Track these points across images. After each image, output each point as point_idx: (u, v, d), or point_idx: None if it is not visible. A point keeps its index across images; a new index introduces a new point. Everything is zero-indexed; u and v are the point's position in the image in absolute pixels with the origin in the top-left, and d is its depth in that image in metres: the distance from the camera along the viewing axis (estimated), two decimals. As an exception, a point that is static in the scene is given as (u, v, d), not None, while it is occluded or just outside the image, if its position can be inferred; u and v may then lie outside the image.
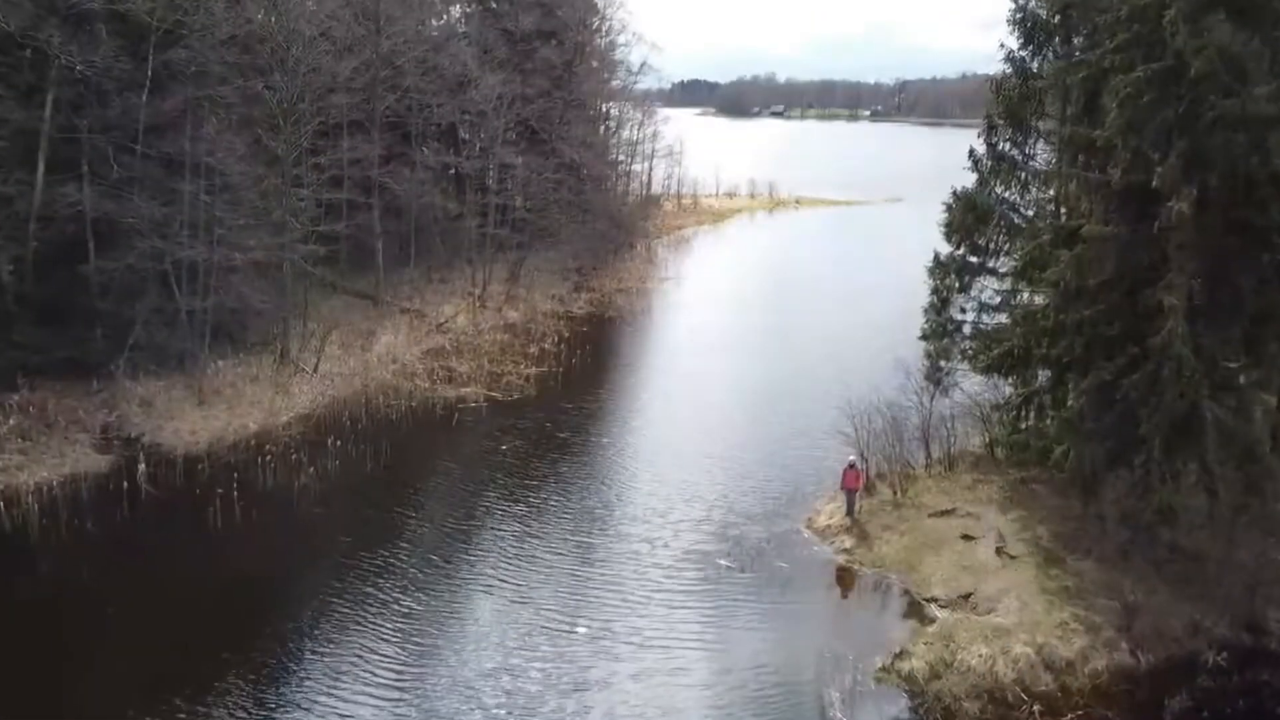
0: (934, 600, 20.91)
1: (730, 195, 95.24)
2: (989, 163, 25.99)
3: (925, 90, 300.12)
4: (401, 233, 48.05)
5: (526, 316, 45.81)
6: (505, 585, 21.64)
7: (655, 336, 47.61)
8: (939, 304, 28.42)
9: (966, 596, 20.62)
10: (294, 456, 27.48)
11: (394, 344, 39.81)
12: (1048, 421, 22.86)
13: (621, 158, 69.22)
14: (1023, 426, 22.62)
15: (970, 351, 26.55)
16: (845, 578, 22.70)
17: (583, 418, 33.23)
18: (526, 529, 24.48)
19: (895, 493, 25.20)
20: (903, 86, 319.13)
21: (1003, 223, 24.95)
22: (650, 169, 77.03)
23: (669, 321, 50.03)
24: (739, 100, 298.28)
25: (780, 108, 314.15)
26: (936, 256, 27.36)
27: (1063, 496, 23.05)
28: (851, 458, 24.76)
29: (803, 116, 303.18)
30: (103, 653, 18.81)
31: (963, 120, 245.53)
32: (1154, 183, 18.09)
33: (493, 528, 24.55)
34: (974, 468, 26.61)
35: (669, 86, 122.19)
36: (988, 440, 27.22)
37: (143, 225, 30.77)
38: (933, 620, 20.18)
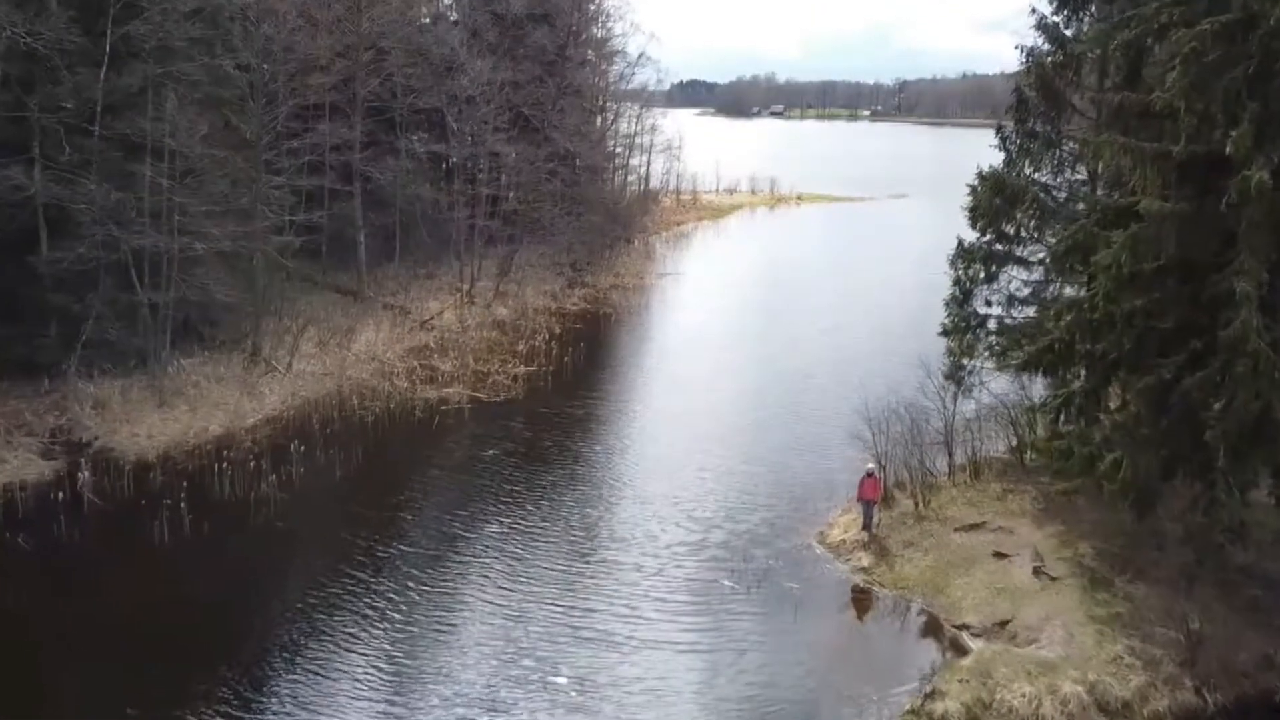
0: (966, 628, 18.46)
1: (730, 191, 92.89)
2: (1019, 141, 23.57)
3: (926, 90, 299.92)
4: (386, 225, 45.68)
5: (517, 313, 43.40)
6: (476, 622, 18.95)
7: (652, 334, 45.16)
8: (961, 296, 26.03)
9: (1003, 624, 18.18)
10: (254, 464, 24.94)
11: (374, 342, 37.47)
12: (1087, 425, 20.35)
13: (619, 150, 66.80)
14: (1063, 431, 20.11)
15: (998, 348, 24.15)
16: (863, 600, 20.24)
17: (572, 422, 30.74)
18: (504, 550, 21.92)
19: (917, 504, 22.76)
20: (903, 86, 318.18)
21: (1035, 206, 22.51)
22: (649, 161, 74.78)
23: (667, 319, 47.62)
24: (738, 100, 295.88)
25: (780, 108, 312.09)
26: (960, 244, 24.95)
27: (1105, 509, 20.60)
28: (870, 466, 22.31)
29: (802, 116, 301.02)
30: (21, 687, 16.34)
31: (963, 120, 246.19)
32: (1228, 149, 15.66)
33: (466, 550, 21.89)
34: (1002, 476, 24.19)
35: (668, 87, 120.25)
36: (1016, 445, 24.83)
37: (97, 211, 28.44)
38: (966, 652, 17.72)
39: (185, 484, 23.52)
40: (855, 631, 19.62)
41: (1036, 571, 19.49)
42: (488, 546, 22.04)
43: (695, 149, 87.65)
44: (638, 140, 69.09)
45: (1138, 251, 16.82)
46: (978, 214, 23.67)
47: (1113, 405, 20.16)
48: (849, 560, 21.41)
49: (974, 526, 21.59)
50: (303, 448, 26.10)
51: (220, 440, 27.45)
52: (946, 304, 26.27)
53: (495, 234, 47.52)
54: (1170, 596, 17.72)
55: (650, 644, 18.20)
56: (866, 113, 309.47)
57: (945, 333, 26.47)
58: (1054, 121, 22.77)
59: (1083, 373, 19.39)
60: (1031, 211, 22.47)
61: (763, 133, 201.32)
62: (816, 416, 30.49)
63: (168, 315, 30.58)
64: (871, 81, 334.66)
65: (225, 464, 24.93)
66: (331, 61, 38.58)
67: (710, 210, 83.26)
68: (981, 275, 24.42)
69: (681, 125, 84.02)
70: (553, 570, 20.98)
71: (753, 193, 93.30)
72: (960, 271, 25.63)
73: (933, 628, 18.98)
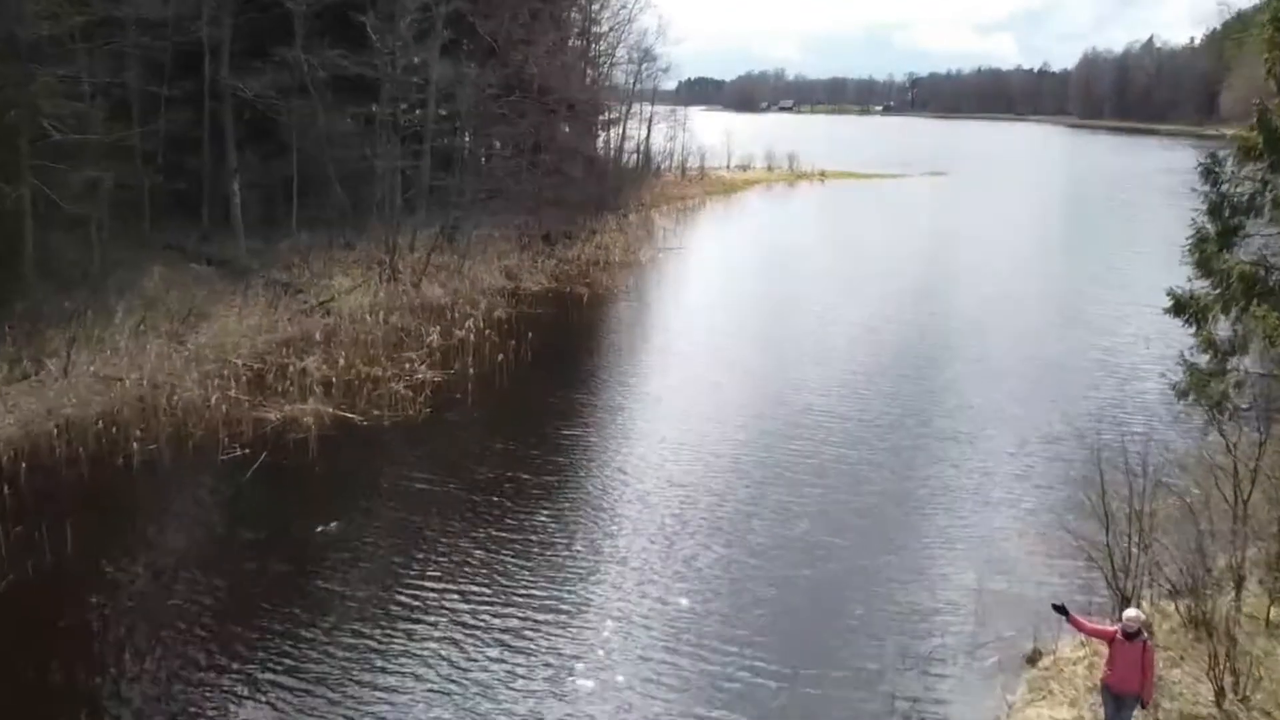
0: None
1: (744, 168, 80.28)
2: None
3: (938, 85, 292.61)
4: (286, 177, 33.32)
5: (454, 293, 30.89)
6: None
7: (639, 326, 31.71)
8: (1216, 244, 13.53)
9: None
10: None
11: (234, 331, 25.13)
12: None
13: (614, 112, 53.96)
14: None
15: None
16: None
17: (485, 467, 17.41)
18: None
19: (1219, 685, 10.04)
20: (915, 82, 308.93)
21: None
22: (650, 123, 62.42)
23: (662, 306, 34.64)
24: (747, 96, 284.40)
25: (790, 103, 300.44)
26: (1267, 123, 12.30)
27: None
28: (1131, 613, 9.47)
29: (813, 112, 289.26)
30: None
31: (978, 115, 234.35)
32: None
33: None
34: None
35: (674, 85, 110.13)
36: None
37: None
38: None
39: None
40: None
41: None
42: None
43: (704, 130, 75.89)
44: (635, 85, 56.57)
45: None
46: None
47: None
48: None
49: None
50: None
51: None
52: (1191, 253, 13.74)
53: (436, 188, 35.10)
54: None
55: None
56: (879, 108, 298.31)
57: (1179, 310, 13.96)
58: None
59: None
60: None
61: (776, 123, 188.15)
62: (911, 470, 17.70)
63: None
64: (882, 78, 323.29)
65: None
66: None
67: (721, 185, 70.56)
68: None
69: (690, 117, 72.28)
70: None
71: (769, 169, 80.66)
72: (1230, 187, 13.10)
73: None
